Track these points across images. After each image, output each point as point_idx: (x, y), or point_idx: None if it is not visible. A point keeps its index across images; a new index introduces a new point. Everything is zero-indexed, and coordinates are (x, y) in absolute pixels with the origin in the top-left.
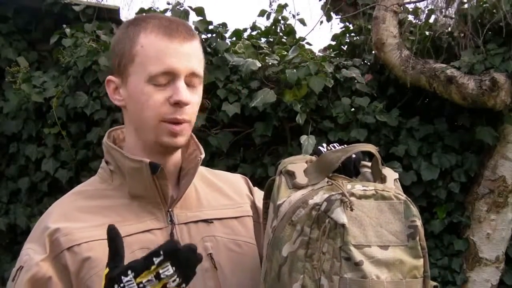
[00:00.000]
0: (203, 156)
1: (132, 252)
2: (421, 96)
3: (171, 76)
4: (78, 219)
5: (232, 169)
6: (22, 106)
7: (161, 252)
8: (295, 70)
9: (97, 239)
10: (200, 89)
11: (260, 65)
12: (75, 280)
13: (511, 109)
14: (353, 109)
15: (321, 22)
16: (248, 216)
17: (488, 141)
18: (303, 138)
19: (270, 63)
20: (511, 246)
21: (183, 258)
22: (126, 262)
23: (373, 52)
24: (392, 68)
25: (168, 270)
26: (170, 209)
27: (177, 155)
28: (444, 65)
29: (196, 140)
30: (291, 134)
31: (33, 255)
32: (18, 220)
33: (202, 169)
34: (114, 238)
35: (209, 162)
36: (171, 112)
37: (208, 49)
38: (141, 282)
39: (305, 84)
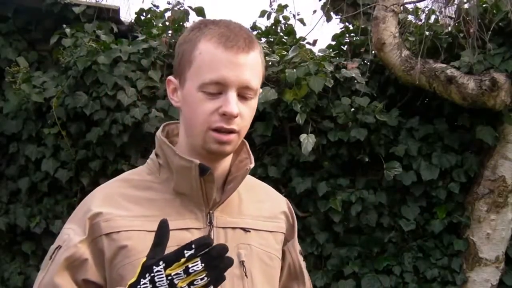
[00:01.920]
0: (252, 165)
1: (168, 248)
2: (421, 96)
3: (222, 86)
4: (121, 207)
5: None
6: (22, 106)
7: (193, 246)
8: (294, 70)
9: (136, 229)
10: (253, 102)
11: None
12: (109, 265)
13: (511, 109)
14: (353, 109)
15: (321, 23)
16: (281, 233)
17: (488, 141)
18: (303, 137)
19: (270, 63)
20: (511, 246)
21: (214, 256)
22: None
23: (373, 52)
24: (392, 68)
25: (197, 265)
26: (211, 211)
27: (226, 160)
28: (444, 65)
29: (248, 148)
30: (291, 134)
31: (73, 235)
32: (18, 220)
33: (251, 179)
34: (163, 232)
35: None
36: (219, 121)
37: None
38: (169, 275)
39: (305, 84)
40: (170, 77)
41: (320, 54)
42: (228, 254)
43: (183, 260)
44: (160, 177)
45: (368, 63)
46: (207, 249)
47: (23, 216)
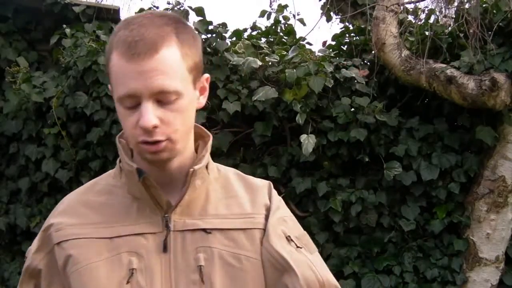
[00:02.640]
0: (198, 166)
1: (118, 254)
2: (421, 96)
3: (136, 98)
4: (76, 215)
5: None
6: (22, 106)
7: None
8: (294, 70)
9: (84, 237)
10: (180, 103)
11: (260, 63)
12: (63, 274)
13: (511, 109)
14: (353, 109)
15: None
16: (258, 229)
17: (488, 141)
18: (303, 137)
19: (270, 63)
20: (511, 246)
21: None
22: (110, 263)
23: (373, 52)
24: (392, 68)
25: None
26: (166, 215)
27: (182, 158)
28: (444, 65)
29: (208, 146)
30: (291, 134)
31: (32, 247)
32: (18, 220)
33: (230, 172)
34: None
35: None
36: (142, 135)
37: (208, 49)
38: None
39: (305, 84)
40: (109, 85)
41: (320, 54)
42: (185, 260)
43: None
44: (121, 181)
45: (369, 63)
46: None
47: (23, 216)
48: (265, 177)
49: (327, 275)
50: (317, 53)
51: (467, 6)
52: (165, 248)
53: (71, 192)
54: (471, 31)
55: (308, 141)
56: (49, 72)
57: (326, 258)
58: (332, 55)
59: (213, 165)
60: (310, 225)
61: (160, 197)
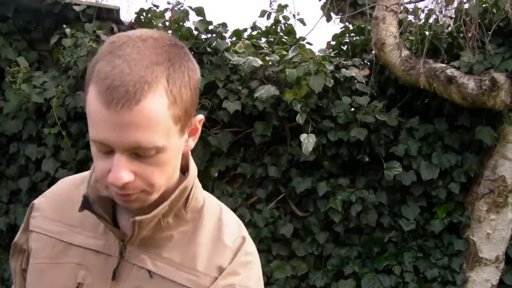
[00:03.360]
0: (138, 218)
1: (70, 263)
2: (421, 96)
3: (107, 147)
4: (58, 208)
5: (232, 169)
6: (22, 106)
7: None
8: (294, 70)
9: (48, 234)
10: (159, 157)
11: (261, 62)
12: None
13: (511, 109)
14: (353, 109)
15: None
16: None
17: (487, 141)
18: (303, 137)
19: (270, 63)
20: (511, 246)
21: None
22: (59, 269)
23: (373, 52)
24: (392, 68)
25: None
26: (122, 243)
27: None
28: (444, 65)
29: (181, 191)
30: (291, 134)
31: (22, 225)
32: (18, 220)
33: (212, 216)
34: None
35: (209, 162)
36: (112, 185)
37: (208, 49)
38: None
39: (305, 84)
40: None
41: (320, 54)
42: None
43: None
44: None
45: (368, 63)
46: None
47: (23, 216)
48: (265, 177)
49: None
50: (317, 53)
51: (466, 6)
52: (113, 277)
53: (69, 178)
54: (469, 34)
55: (308, 141)
56: (49, 72)
57: (326, 258)
58: (332, 55)
59: (197, 203)
60: (310, 225)
61: (113, 231)
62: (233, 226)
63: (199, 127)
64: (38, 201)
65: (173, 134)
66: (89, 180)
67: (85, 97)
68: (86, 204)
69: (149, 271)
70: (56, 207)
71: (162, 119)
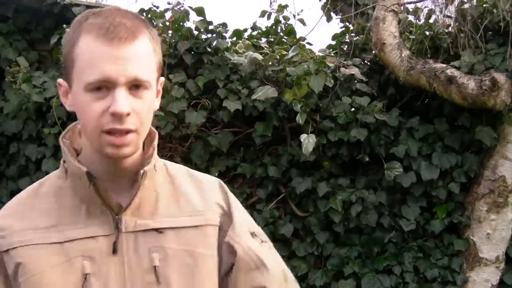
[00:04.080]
0: (148, 167)
1: (70, 260)
2: (421, 96)
3: (108, 84)
4: (23, 218)
5: (232, 169)
6: (22, 106)
7: None
8: (295, 68)
9: (33, 243)
10: (149, 95)
11: (262, 57)
12: (14, 283)
13: (511, 109)
14: (353, 109)
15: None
16: (211, 225)
17: (487, 142)
18: (303, 137)
19: (270, 63)
20: (511, 246)
21: None
22: (62, 270)
23: (373, 52)
24: (392, 68)
25: None
26: (117, 216)
27: (133, 159)
28: (444, 65)
29: (155, 145)
30: (291, 134)
31: None
32: None
33: (176, 170)
34: None
35: (209, 162)
36: (111, 123)
37: (209, 49)
38: None
39: (305, 84)
40: (60, 80)
41: (320, 54)
42: (139, 261)
43: None
44: (67, 183)
45: (368, 63)
46: None
47: None
48: (265, 177)
49: (285, 266)
50: (317, 53)
51: (466, 6)
52: (114, 250)
53: (15, 197)
54: (470, 30)
55: (308, 141)
56: (49, 72)
57: (326, 258)
58: (332, 54)
59: (161, 163)
60: (310, 225)
61: (110, 200)
62: (198, 172)
63: (161, 90)
64: None
65: (154, 78)
66: (64, 171)
67: (69, 56)
68: (91, 178)
69: (156, 229)
70: (23, 218)
71: (150, 60)
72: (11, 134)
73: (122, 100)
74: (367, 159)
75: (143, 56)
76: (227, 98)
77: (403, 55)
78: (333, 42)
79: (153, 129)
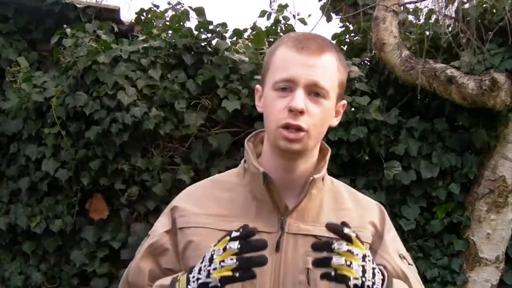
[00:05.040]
0: (318, 175)
1: None
2: (421, 96)
3: (291, 83)
4: (200, 204)
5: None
6: (22, 106)
7: (240, 230)
8: None
9: (205, 226)
10: (325, 103)
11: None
12: (181, 257)
13: (510, 109)
14: (353, 108)
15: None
16: (365, 242)
17: (480, 144)
18: None
19: None
20: (511, 246)
21: (252, 245)
22: None
23: (373, 52)
24: (392, 68)
25: (234, 245)
26: (283, 217)
27: (306, 165)
28: (444, 65)
29: (327, 157)
30: None
31: (159, 226)
32: (18, 220)
33: (340, 186)
34: (246, 234)
35: (209, 162)
36: (287, 118)
37: (209, 48)
38: (214, 250)
39: None
40: (257, 86)
41: None
42: (295, 261)
43: (227, 238)
44: (244, 180)
45: (368, 63)
46: (248, 238)
47: (24, 216)
48: None
49: None
50: None
51: (466, 6)
52: (277, 248)
53: (195, 184)
54: (470, 31)
55: None
56: (49, 72)
57: None
58: None
59: (328, 177)
60: None
61: (280, 200)
62: (360, 193)
63: (341, 112)
64: (178, 204)
65: (334, 92)
66: (243, 170)
67: (268, 62)
68: (266, 177)
69: (316, 236)
70: (201, 204)
71: (333, 73)
72: (11, 134)
73: (300, 98)
74: (366, 158)
75: (327, 68)
76: (226, 98)
77: (403, 55)
78: (333, 42)
79: (327, 146)
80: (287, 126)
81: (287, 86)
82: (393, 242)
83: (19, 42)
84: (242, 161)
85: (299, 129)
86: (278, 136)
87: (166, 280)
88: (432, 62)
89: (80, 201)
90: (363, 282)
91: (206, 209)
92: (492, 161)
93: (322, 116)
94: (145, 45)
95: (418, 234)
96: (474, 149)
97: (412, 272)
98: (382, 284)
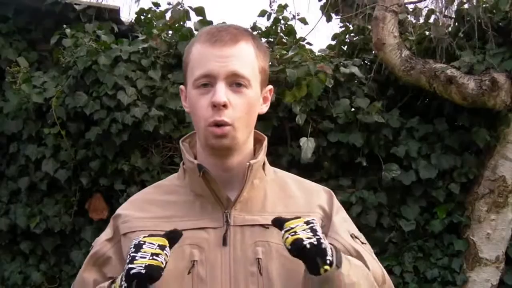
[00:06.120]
0: (254, 161)
1: (181, 247)
2: (421, 96)
3: (211, 78)
4: (143, 209)
5: None
6: (22, 106)
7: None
8: (295, 70)
9: (150, 229)
10: (248, 92)
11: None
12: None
13: (510, 109)
14: (353, 109)
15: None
16: None
17: (481, 143)
18: (303, 140)
19: (270, 63)
20: (511, 246)
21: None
22: (173, 254)
23: (373, 52)
24: (392, 68)
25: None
26: (226, 211)
27: (241, 157)
28: (444, 65)
29: (264, 145)
30: (291, 134)
31: (102, 236)
32: (18, 220)
33: (285, 175)
34: (174, 235)
35: None
36: (212, 115)
37: None
38: (144, 241)
39: (304, 85)
40: (181, 86)
41: (321, 54)
42: (244, 253)
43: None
44: (185, 181)
45: (368, 63)
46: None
47: (23, 216)
48: None
49: (385, 270)
50: (317, 53)
51: (466, 6)
52: (224, 242)
53: (137, 193)
54: (461, 33)
55: (307, 145)
56: (49, 72)
57: None
58: (332, 54)
59: (270, 168)
60: None
61: (220, 192)
62: (305, 179)
63: (269, 97)
64: (121, 212)
65: (256, 80)
66: (182, 172)
67: (186, 62)
68: (201, 168)
69: (263, 225)
70: (143, 209)
71: (251, 60)
72: (11, 134)
73: (221, 92)
74: (364, 163)
75: (244, 57)
76: None
77: (403, 55)
78: (333, 42)
79: (262, 134)
80: (215, 124)
81: (207, 82)
82: (343, 222)
83: (19, 42)
84: (181, 163)
85: (224, 124)
86: (208, 134)
87: (105, 283)
88: (432, 62)
89: (80, 201)
90: (318, 239)
91: (150, 213)
92: (492, 161)
93: (247, 106)
94: (145, 45)
95: (418, 234)
96: (474, 149)
97: (367, 251)
98: (332, 255)
